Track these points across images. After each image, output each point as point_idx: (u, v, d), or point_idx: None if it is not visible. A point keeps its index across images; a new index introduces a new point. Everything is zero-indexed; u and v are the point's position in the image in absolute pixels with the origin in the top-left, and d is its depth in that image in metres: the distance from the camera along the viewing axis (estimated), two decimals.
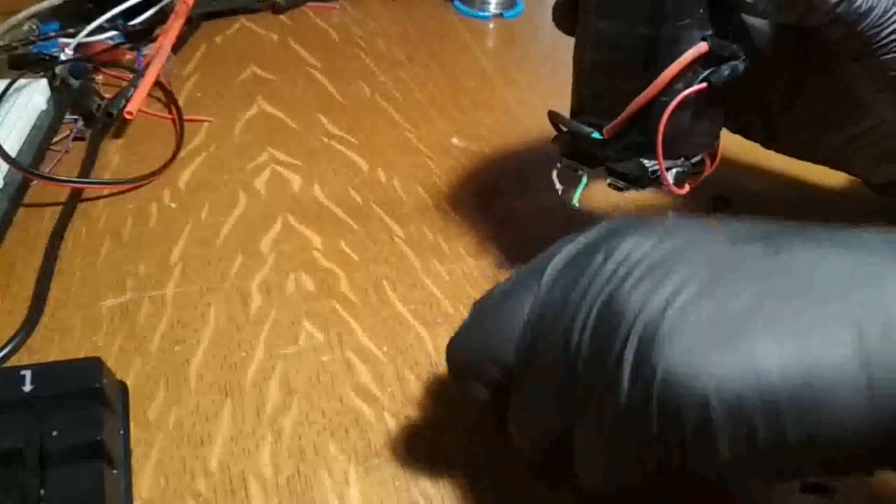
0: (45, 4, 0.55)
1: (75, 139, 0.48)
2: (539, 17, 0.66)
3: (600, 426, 0.22)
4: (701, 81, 0.31)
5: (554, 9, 0.35)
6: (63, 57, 0.53)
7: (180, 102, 0.52)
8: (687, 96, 0.31)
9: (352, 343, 0.35)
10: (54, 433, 0.26)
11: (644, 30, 0.31)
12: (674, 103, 0.31)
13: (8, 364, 0.33)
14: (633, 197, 0.42)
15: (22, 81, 0.48)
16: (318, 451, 0.30)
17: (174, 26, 0.57)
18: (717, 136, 0.34)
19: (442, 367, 0.34)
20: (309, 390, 0.33)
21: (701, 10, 0.31)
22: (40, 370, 0.28)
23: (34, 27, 0.56)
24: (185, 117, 0.50)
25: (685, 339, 0.20)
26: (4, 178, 0.42)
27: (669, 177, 0.33)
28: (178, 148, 0.47)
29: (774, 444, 0.19)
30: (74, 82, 0.51)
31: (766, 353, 0.19)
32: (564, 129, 0.35)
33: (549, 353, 0.23)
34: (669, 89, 0.31)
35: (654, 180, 0.33)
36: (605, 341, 0.22)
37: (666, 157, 0.32)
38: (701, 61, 0.31)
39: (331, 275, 0.39)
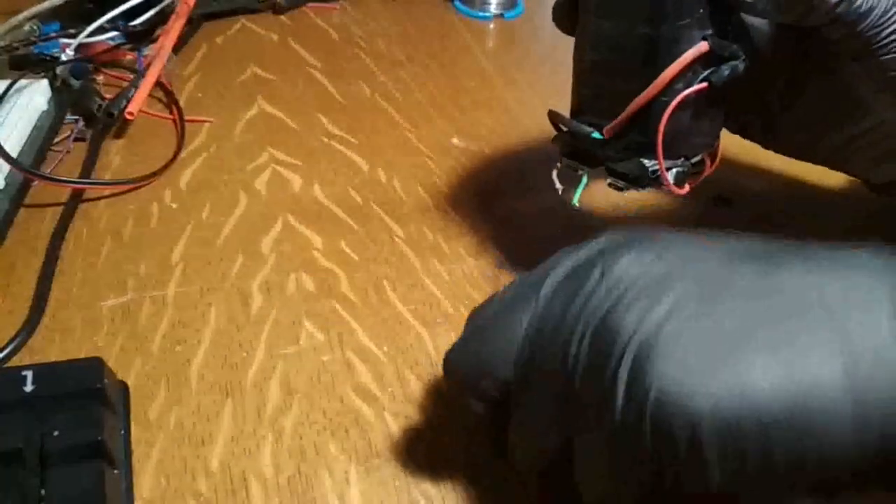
0: (45, 5, 0.55)
1: (76, 140, 0.48)
2: (539, 17, 0.66)
3: (597, 443, 0.22)
4: (701, 81, 0.31)
5: (554, 9, 0.35)
6: (64, 57, 0.53)
7: (181, 103, 0.52)
8: (687, 96, 0.31)
9: (352, 343, 0.35)
10: (55, 433, 0.26)
11: (644, 29, 0.31)
12: (674, 103, 0.31)
13: (9, 364, 0.33)
14: (634, 197, 0.42)
15: (23, 82, 0.48)
16: (319, 451, 0.31)
17: (175, 27, 0.57)
18: (718, 136, 0.34)
19: (442, 367, 0.34)
20: (309, 390, 0.33)
21: (701, 10, 0.31)
22: (41, 370, 0.28)
23: (35, 28, 0.56)
24: (186, 118, 0.50)
25: (678, 360, 0.20)
26: (5, 179, 0.42)
27: (669, 177, 0.33)
28: (179, 148, 0.48)
29: (764, 465, 0.20)
30: (75, 83, 0.51)
31: (757, 377, 0.20)
32: (564, 129, 0.35)
33: (548, 368, 0.24)
34: (669, 89, 0.31)
35: (654, 180, 0.33)
36: (601, 359, 0.22)
37: (666, 156, 0.32)
38: (701, 61, 0.31)
39: (331, 275, 0.39)
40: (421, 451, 0.31)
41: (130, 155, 0.47)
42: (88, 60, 0.54)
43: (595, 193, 0.41)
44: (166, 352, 0.34)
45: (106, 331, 0.35)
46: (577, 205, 0.34)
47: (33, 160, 0.45)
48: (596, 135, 0.33)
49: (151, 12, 0.58)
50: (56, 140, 0.48)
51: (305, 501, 0.29)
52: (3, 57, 0.53)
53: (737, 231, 0.25)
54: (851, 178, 0.40)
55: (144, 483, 0.29)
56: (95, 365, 0.29)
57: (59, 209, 0.42)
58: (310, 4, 0.66)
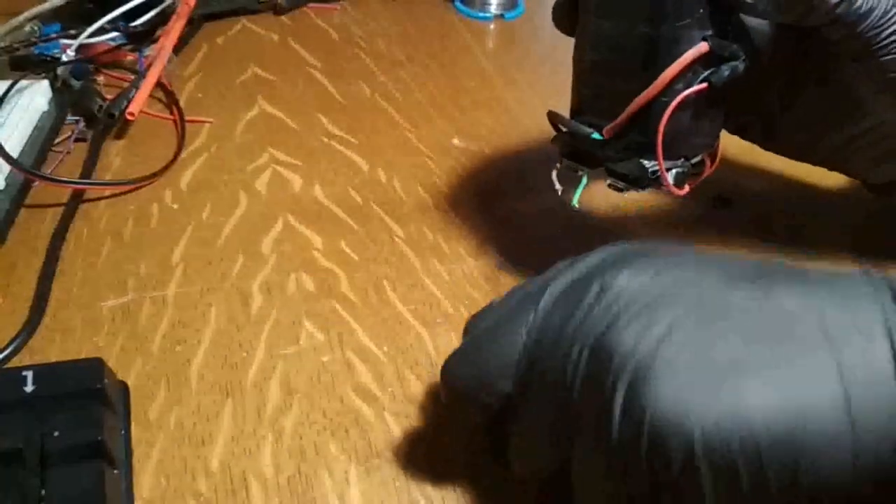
0: (46, 6, 0.55)
1: (77, 140, 0.48)
2: (539, 17, 0.66)
3: (594, 459, 0.22)
4: (701, 82, 0.31)
5: (554, 9, 0.35)
6: (65, 58, 0.53)
7: (181, 103, 0.52)
8: (687, 96, 0.31)
9: (352, 343, 0.35)
10: (55, 433, 0.26)
11: (644, 29, 0.31)
12: (674, 103, 0.31)
13: (9, 364, 0.33)
14: (633, 197, 0.42)
15: (23, 83, 0.48)
16: (319, 451, 0.31)
17: (175, 27, 0.57)
18: (717, 137, 0.34)
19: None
20: (309, 390, 0.33)
21: (701, 10, 0.31)
22: (41, 370, 0.28)
23: (35, 28, 0.56)
24: (187, 118, 0.50)
25: (674, 382, 0.20)
26: (6, 179, 0.42)
27: (669, 177, 0.33)
28: (180, 149, 0.48)
29: (759, 487, 0.20)
30: (76, 83, 0.51)
31: (753, 400, 0.20)
32: (564, 130, 0.35)
33: (546, 382, 0.24)
34: (669, 89, 0.31)
35: (654, 181, 0.33)
36: (599, 376, 0.22)
37: (666, 157, 0.32)
38: (701, 61, 0.31)
39: (331, 275, 0.39)
40: (421, 451, 0.31)
41: (131, 155, 0.47)
42: (89, 61, 0.54)
43: (595, 194, 0.41)
44: (166, 352, 0.34)
45: (106, 331, 0.35)
46: (576, 205, 0.34)
47: (34, 161, 0.45)
48: (596, 135, 0.33)
49: (152, 13, 0.58)
50: (57, 141, 0.48)
51: (305, 501, 0.29)
52: (4, 58, 0.53)
53: (732, 253, 0.25)
54: (851, 178, 0.40)
55: (144, 483, 0.29)
56: (95, 365, 0.29)
57: (60, 209, 0.42)
58: (310, 5, 0.66)
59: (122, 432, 0.30)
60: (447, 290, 0.38)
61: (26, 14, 0.55)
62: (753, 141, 0.39)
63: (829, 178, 0.40)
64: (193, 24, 0.61)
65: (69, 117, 0.49)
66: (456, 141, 0.49)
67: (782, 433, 0.19)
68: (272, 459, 0.30)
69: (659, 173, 0.32)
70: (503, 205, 0.44)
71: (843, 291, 0.22)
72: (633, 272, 0.23)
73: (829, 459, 0.19)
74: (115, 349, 0.34)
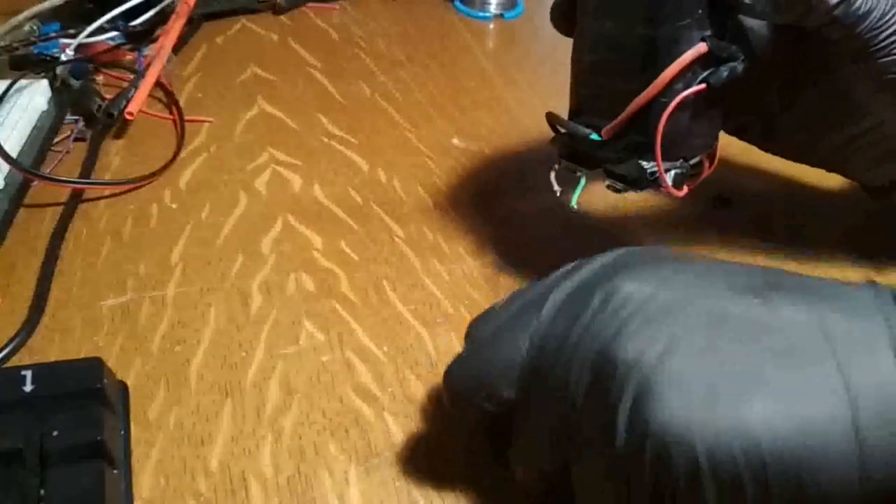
0: (45, 5, 0.55)
1: (76, 140, 0.48)
2: (539, 17, 0.66)
3: (597, 469, 0.22)
4: (700, 82, 0.31)
5: (552, 9, 0.35)
6: (64, 57, 0.53)
7: (181, 103, 0.52)
8: (686, 97, 0.31)
9: (352, 343, 0.35)
10: (55, 433, 0.26)
11: (643, 30, 0.31)
12: (673, 104, 0.31)
13: (8, 364, 0.33)
14: (633, 197, 0.42)
15: (23, 82, 0.48)
16: (319, 451, 0.30)
17: (175, 27, 0.57)
18: (716, 138, 0.34)
19: (442, 367, 0.34)
20: (309, 390, 0.33)
21: (700, 11, 0.30)
22: (41, 370, 0.28)
23: (35, 28, 0.56)
24: (186, 118, 0.50)
25: (678, 396, 0.20)
26: (5, 179, 0.42)
27: (668, 178, 0.32)
28: (179, 148, 0.48)
29: (762, 502, 0.20)
30: (75, 83, 0.51)
31: (758, 414, 0.20)
32: (562, 131, 0.34)
33: (549, 390, 0.24)
34: (668, 90, 0.31)
35: (653, 182, 0.33)
36: (603, 387, 0.22)
37: (664, 158, 0.32)
38: (700, 62, 0.31)
39: (331, 275, 0.39)
40: (421, 451, 0.31)
41: (130, 155, 0.47)
42: (88, 60, 0.54)
43: (594, 194, 0.41)
44: (166, 352, 0.34)
45: (106, 331, 0.35)
46: (575, 207, 0.34)
47: (33, 160, 0.45)
48: (594, 136, 0.33)
49: (151, 12, 0.58)
50: (56, 140, 0.48)
51: (305, 501, 0.29)
52: (3, 57, 0.53)
53: (736, 261, 0.25)
54: (849, 180, 0.40)
55: (144, 483, 0.29)
56: (95, 365, 0.29)
57: (59, 209, 0.42)
58: (310, 4, 0.66)
59: (122, 432, 0.30)
60: (447, 290, 0.38)
61: (26, 13, 0.54)
62: (752, 142, 0.39)
63: (828, 178, 0.40)
64: (193, 24, 0.61)
65: (68, 117, 0.49)
66: (456, 141, 0.49)
67: (787, 448, 0.19)
68: (272, 459, 0.30)
69: (657, 174, 0.32)
70: (503, 205, 0.44)
71: (849, 304, 0.21)
72: (637, 281, 0.23)
73: (835, 474, 0.19)
74: (114, 349, 0.34)
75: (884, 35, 0.30)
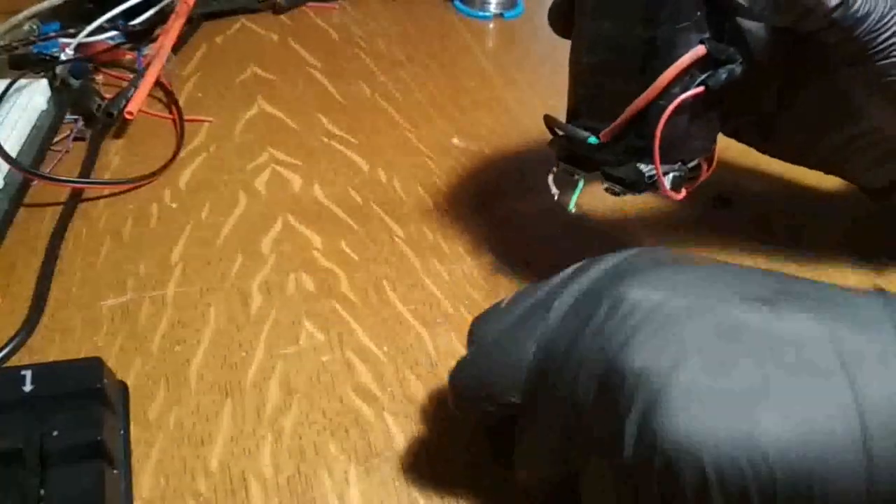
0: (45, 4, 0.55)
1: (76, 139, 0.48)
2: (539, 17, 0.66)
3: (605, 477, 0.22)
4: (698, 85, 0.31)
5: (550, 11, 0.35)
6: (63, 57, 0.53)
7: (181, 102, 0.52)
8: (684, 100, 0.31)
9: (352, 343, 0.35)
10: (55, 433, 0.26)
11: (641, 32, 0.31)
12: (671, 107, 0.31)
13: (8, 364, 0.33)
14: (633, 198, 0.42)
15: (22, 81, 0.48)
16: (319, 451, 0.30)
17: (174, 26, 0.57)
18: (714, 141, 0.34)
19: (442, 367, 0.34)
20: (309, 390, 0.33)
21: (698, 14, 0.30)
22: (41, 370, 0.28)
23: (34, 27, 0.56)
24: (186, 117, 0.50)
25: (687, 410, 0.20)
26: (5, 179, 0.42)
27: (666, 182, 0.32)
28: (179, 148, 0.48)
29: None
30: (75, 82, 0.51)
31: (765, 429, 0.20)
32: (560, 134, 0.34)
33: (556, 396, 0.23)
34: (666, 93, 0.31)
35: (651, 185, 0.32)
36: (610, 398, 0.22)
37: (663, 161, 0.32)
38: (698, 65, 0.31)
39: (331, 275, 0.39)
40: (421, 451, 0.30)
41: (130, 155, 0.47)
42: (88, 60, 0.54)
43: (594, 194, 0.41)
44: (166, 352, 0.34)
45: (105, 331, 0.35)
46: (573, 210, 0.34)
47: (33, 160, 0.45)
48: (592, 139, 0.33)
49: (151, 12, 0.57)
50: (55, 140, 0.48)
51: (305, 501, 0.29)
52: (3, 56, 0.53)
53: (746, 267, 0.25)
54: (847, 182, 0.40)
55: (144, 483, 0.29)
56: (95, 365, 0.29)
57: (59, 209, 0.42)
58: (310, 4, 0.66)
59: (122, 432, 0.30)
60: (447, 290, 0.38)
61: (25, 13, 0.54)
62: (750, 144, 0.39)
63: (828, 179, 0.40)
64: (192, 23, 0.61)
65: (68, 116, 0.49)
66: (456, 141, 0.49)
67: (796, 462, 0.19)
68: (272, 459, 0.30)
69: (656, 177, 0.32)
70: (503, 205, 0.44)
71: (859, 314, 0.21)
72: (646, 287, 0.23)
73: (843, 487, 0.19)
74: (114, 349, 0.34)
75: (882, 38, 0.30)
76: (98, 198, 0.44)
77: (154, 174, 0.45)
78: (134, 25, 0.57)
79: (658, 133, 0.31)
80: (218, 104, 0.52)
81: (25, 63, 0.52)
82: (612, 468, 0.22)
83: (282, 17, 0.65)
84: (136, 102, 0.49)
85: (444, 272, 0.39)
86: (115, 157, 0.47)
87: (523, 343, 0.25)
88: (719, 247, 0.40)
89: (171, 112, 0.51)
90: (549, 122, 0.35)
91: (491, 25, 0.65)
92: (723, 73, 0.31)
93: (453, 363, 0.34)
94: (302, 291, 0.38)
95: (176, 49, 0.57)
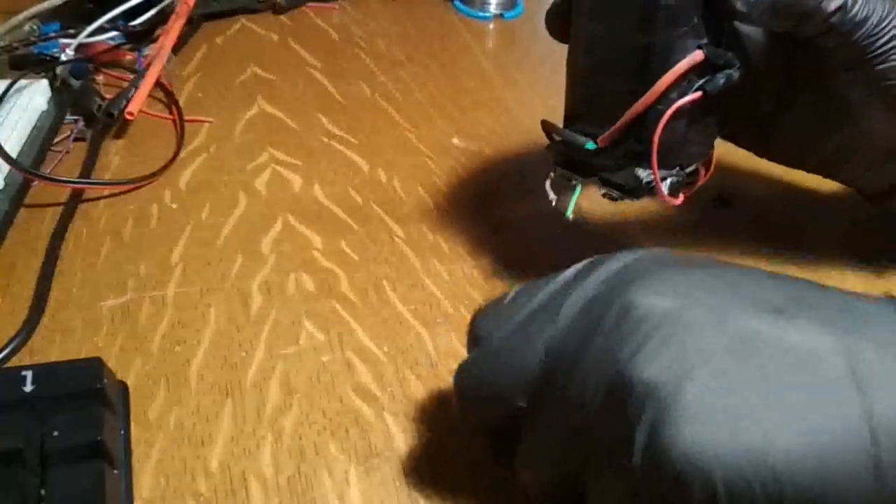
0: (45, 5, 0.55)
1: (76, 140, 0.48)
2: (539, 17, 0.65)
3: (612, 489, 0.22)
4: (696, 90, 0.31)
5: (547, 14, 0.35)
6: (64, 57, 0.53)
7: (181, 103, 0.52)
8: (682, 106, 0.31)
9: (352, 343, 0.35)
10: (55, 433, 0.26)
11: (638, 37, 0.30)
12: (669, 113, 0.30)
13: (9, 364, 0.33)
14: (631, 201, 0.42)
15: (23, 82, 0.48)
16: (319, 451, 0.31)
17: (175, 27, 0.57)
18: (712, 146, 0.34)
19: (442, 367, 0.34)
20: (309, 390, 0.33)
21: (696, 20, 0.30)
22: (41, 370, 0.28)
23: (35, 28, 0.56)
24: (186, 118, 0.50)
25: (697, 424, 0.20)
26: (5, 179, 0.42)
27: (664, 187, 0.32)
28: (179, 148, 0.48)
29: None
30: (75, 83, 0.51)
31: (776, 446, 0.19)
32: (558, 139, 0.34)
33: (563, 401, 0.23)
34: (664, 98, 0.31)
35: (649, 191, 0.32)
36: (619, 409, 0.21)
37: (661, 166, 0.31)
38: (696, 70, 0.31)
39: (331, 275, 0.39)
40: (421, 451, 0.31)
41: (130, 155, 0.47)
42: (88, 60, 0.54)
43: (593, 195, 0.41)
44: (166, 352, 0.34)
45: (106, 331, 0.35)
46: (570, 216, 0.34)
47: (33, 160, 0.45)
48: (590, 145, 0.32)
49: (151, 12, 0.58)
50: (56, 140, 0.48)
51: (305, 501, 0.29)
52: (3, 57, 0.53)
53: (758, 271, 0.25)
54: (844, 186, 0.40)
55: (144, 483, 0.29)
56: (95, 365, 0.29)
57: (59, 209, 0.42)
58: (310, 4, 0.66)
59: (122, 432, 0.30)
60: (447, 290, 0.38)
61: (26, 13, 0.54)
62: (748, 148, 0.39)
63: (828, 181, 0.40)
64: (193, 24, 0.61)
65: (68, 117, 0.49)
66: (456, 141, 0.49)
67: (806, 478, 0.19)
68: (272, 459, 0.30)
69: (654, 183, 0.32)
70: (503, 205, 0.44)
71: (872, 325, 0.21)
72: (656, 294, 0.22)
73: (855, 502, 0.19)
74: (114, 349, 0.34)
75: (880, 42, 0.29)
76: (98, 198, 0.44)
77: (154, 174, 0.45)
78: (134, 26, 0.57)
79: (656, 138, 0.31)
80: (218, 104, 0.52)
81: (26, 63, 0.53)
82: (621, 479, 0.22)
83: (282, 17, 0.65)
84: (137, 103, 0.49)
85: (444, 272, 0.39)
86: (115, 158, 0.47)
87: (532, 346, 0.24)
88: (719, 248, 0.41)
89: (171, 112, 0.51)
90: (547, 127, 0.35)
91: (491, 26, 0.65)
92: (721, 79, 0.30)
93: (453, 363, 0.34)
94: (302, 291, 0.38)
95: (176, 49, 0.57)
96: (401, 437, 0.31)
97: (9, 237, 0.41)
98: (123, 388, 0.32)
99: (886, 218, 0.41)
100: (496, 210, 0.43)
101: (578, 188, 0.34)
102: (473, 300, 0.37)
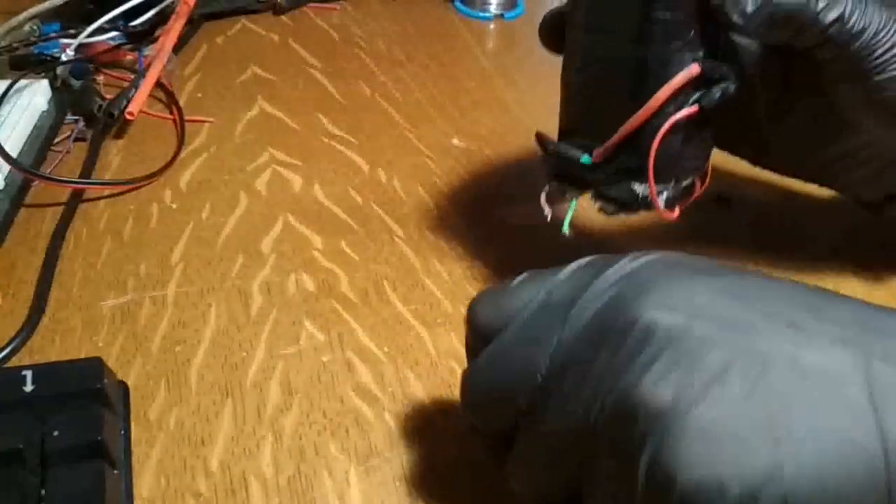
0: (46, 5, 0.55)
1: (76, 140, 0.48)
2: (539, 17, 0.66)
3: (614, 500, 0.22)
4: (692, 104, 0.30)
5: (540, 27, 0.35)
6: (64, 58, 0.53)
7: (181, 103, 0.52)
8: (678, 120, 0.30)
9: (352, 343, 0.35)
10: (55, 433, 0.26)
11: (634, 50, 0.30)
12: (665, 127, 0.30)
13: (9, 364, 0.33)
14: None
15: (23, 82, 0.48)
16: (319, 452, 0.31)
17: (175, 27, 0.57)
18: (708, 159, 0.34)
19: (442, 367, 0.34)
20: (309, 390, 0.33)
21: (692, 33, 0.30)
22: (41, 370, 0.28)
23: (35, 28, 0.56)
24: (186, 118, 0.50)
25: (704, 448, 0.19)
26: (6, 179, 0.42)
27: (660, 201, 0.32)
28: (179, 148, 0.48)
29: None
30: (75, 83, 0.51)
31: (788, 471, 0.19)
32: (552, 152, 0.34)
33: (566, 412, 0.23)
34: (660, 113, 0.30)
35: (645, 205, 0.32)
36: (624, 427, 0.21)
37: (657, 181, 0.31)
38: (691, 84, 0.30)
39: (331, 275, 0.39)
40: (421, 451, 0.31)
41: (130, 155, 0.47)
42: (89, 60, 0.54)
43: (590, 205, 0.41)
44: (166, 352, 0.34)
45: (106, 331, 0.35)
46: (567, 232, 0.33)
47: (33, 160, 0.45)
48: (585, 159, 0.32)
49: (152, 12, 0.58)
50: (56, 140, 0.48)
51: (305, 501, 0.29)
52: (4, 57, 0.53)
53: (772, 279, 0.24)
54: (840, 195, 0.40)
55: (144, 483, 0.29)
56: (95, 365, 0.29)
57: (59, 209, 0.42)
58: (310, 4, 0.66)
59: (122, 432, 0.30)
60: (447, 290, 0.38)
61: (26, 13, 0.55)
62: (743, 157, 0.39)
63: None
64: (193, 24, 0.61)
65: (68, 117, 0.49)
66: (456, 141, 0.49)
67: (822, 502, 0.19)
68: (272, 459, 0.30)
69: (650, 197, 0.32)
70: (503, 205, 0.44)
71: (891, 341, 0.20)
72: (665, 307, 0.22)
73: None
74: (114, 349, 0.34)
75: (878, 52, 0.29)
76: (98, 198, 0.44)
77: (154, 174, 0.45)
78: (135, 26, 0.57)
79: (652, 153, 0.30)
80: (218, 104, 0.52)
81: (26, 64, 0.53)
82: (624, 498, 0.21)
83: (282, 17, 0.65)
84: (137, 103, 0.49)
85: (444, 272, 0.39)
86: (115, 158, 0.47)
87: (537, 350, 0.24)
88: (719, 248, 0.40)
89: (171, 112, 0.51)
90: (541, 139, 0.34)
91: (491, 26, 0.65)
92: (717, 92, 0.30)
93: (453, 363, 0.34)
94: (302, 291, 0.38)
95: (176, 49, 0.57)
96: (401, 438, 0.31)
97: (9, 237, 0.41)
98: (123, 388, 0.32)
99: (886, 221, 0.41)
100: (496, 210, 0.43)
101: (574, 203, 0.33)
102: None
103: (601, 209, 0.33)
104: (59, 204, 0.43)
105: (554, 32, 0.34)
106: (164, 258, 0.39)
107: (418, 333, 0.36)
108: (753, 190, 0.44)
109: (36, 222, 0.42)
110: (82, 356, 0.33)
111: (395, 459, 0.30)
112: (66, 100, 0.50)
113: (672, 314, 0.21)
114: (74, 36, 0.54)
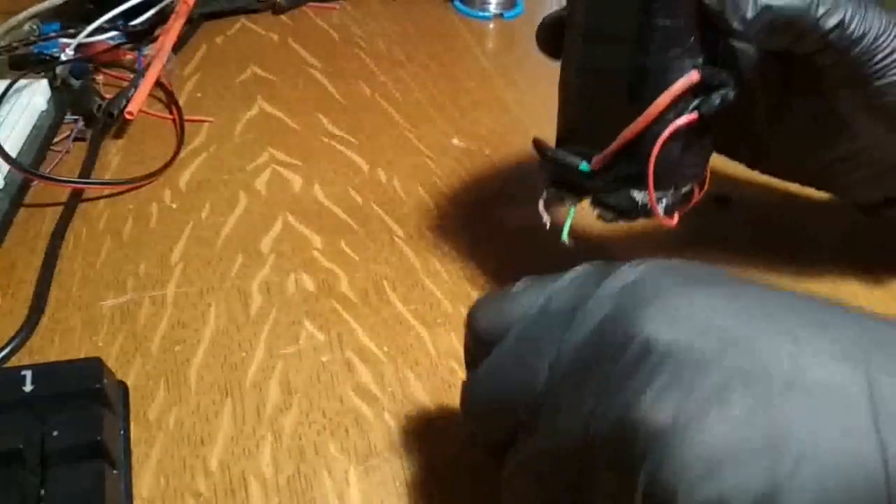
0: (45, 5, 0.55)
1: (76, 139, 0.48)
2: (539, 17, 0.65)
3: None
4: (691, 111, 0.30)
5: (538, 30, 0.35)
6: (64, 57, 0.53)
7: (181, 103, 0.52)
8: (678, 128, 0.30)
9: (352, 343, 0.35)
10: (55, 433, 0.26)
11: (633, 56, 0.30)
12: (664, 135, 0.30)
13: (8, 364, 0.33)
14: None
15: (22, 82, 0.48)
16: (319, 451, 0.30)
17: (175, 26, 0.57)
18: (707, 165, 0.33)
19: (442, 367, 0.34)
20: (309, 390, 0.33)
21: (692, 39, 0.30)
22: (41, 370, 0.28)
23: (35, 27, 0.56)
24: (186, 117, 0.50)
25: (703, 470, 0.19)
26: (5, 179, 0.42)
27: (660, 208, 0.32)
28: (179, 148, 0.48)
29: None
30: (75, 83, 0.51)
31: (785, 488, 0.19)
32: (550, 158, 0.33)
33: (559, 427, 0.23)
34: (660, 120, 0.30)
35: (645, 212, 0.32)
36: (622, 446, 0.21)
37: (656, 188, 0.31)
38: (691, 90, 0.30)
39: (331, 275, 0.39)
40: (421, 452, 0.31)
41: (130, 155, 0.47)
42: (88, 60, 0.54)
43: (589, 210, 0.41)
44: (166, 352, 0.34)
45: (105, 331, 0.35)
46: (566, 241, 0.33)
47: (33, 160, 0.45)
48: (584, 166, 0.32)
49: (151, 12, 0.58)
50: (56, 140, 0.48)
51: (305, 501, 0.29)
52: (3, 57, 0.53)
53: (777, 290, 0.23)
54: (839, 198, 0.40)
55: (144, 483, 0.29)
56: (95, 365, 0.29)
57: (59, 209, 0.42)
58: (310, 4, 0.66)
59: (122, 432, 0.30)
60: (447, 290, 0.38)
61: (25, 13, 0.54)
62: (742, 161, 0.38)
63: None
64: (193, 24, 0.61)
65: (68, 116, 0.49)
66: (456, 141, 0.49)
67: None
68: (272, 459, 0.30)
69: (649, 205, 0.31)
70: (503, 205, 0.44)
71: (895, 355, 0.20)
72: (665, 322, 0.21)
73: None
74: (114, 349, 0.34)
75: (878, 58, 0.29)
76: (98, 198, 0.44)
77: (154, 174, 0.45)
78: (134, 26, 0.57)
79: (652, 161, 0.30)
80: (218, 104, 0.52)
81: (26, 63, 0.53)
82: None
83: (282, 17, 0.65)
84: (137, 103, 0.49)
85: (444, 272, 0.39)
86: (115, 158, 0.47)
87: (537, 361, 0.23)
88: (719, 250, 0.40)
89: (171, 112, 0.51)
90: (539, 146, 0.34)
91: (491, 25, 0.65)
92: (716, 99, 0.30)
93: (453, 363, 0.34)
94: (302, 291, 0.38)
95: (176, 49, 0.57)
96: (401, 438, 0.31)
97: (8, 237, 0.41)
98: (123, 388, 0.32)
99: (885, 223, 0.41)
100: (496, 210, 0.43)
101: (572, 211, 0.33)
102: (473, 300, 0.37)
103: (600, 216, 0.33)
104: (58, 204, 0.43)
105: (552, 37, 0.34)
106: (164, 258, 0.39)
107: (418, 333, 0.36)
108: (753, 191, 0.44)
109: (35, 222, 0.42)
110: (82, 356, 0.33)
111: (395, 459, 0.30)
112: (66, 99, 0.50)
113: (672, 329, 0.21)
114: (74, 35, 0.54)
